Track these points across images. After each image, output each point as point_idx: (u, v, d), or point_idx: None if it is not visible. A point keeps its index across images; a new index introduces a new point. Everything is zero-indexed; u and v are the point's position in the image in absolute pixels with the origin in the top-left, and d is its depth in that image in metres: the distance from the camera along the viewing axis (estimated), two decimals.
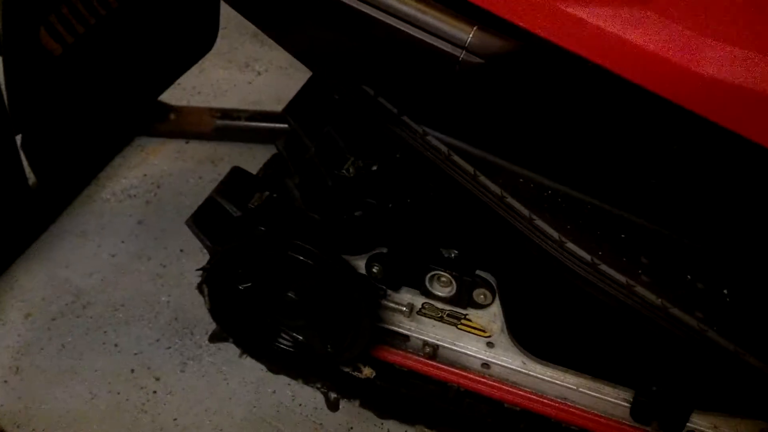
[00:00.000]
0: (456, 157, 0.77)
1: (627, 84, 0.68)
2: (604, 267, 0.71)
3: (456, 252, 1.03)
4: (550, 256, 0.74)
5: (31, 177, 1.47)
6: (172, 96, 1.82)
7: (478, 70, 0.71)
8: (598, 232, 0.76)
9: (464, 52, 0.71)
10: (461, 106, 0.79)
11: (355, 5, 0.75)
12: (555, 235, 0.72)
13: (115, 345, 1.42)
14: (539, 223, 0.73)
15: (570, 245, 0.72)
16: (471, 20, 0.71)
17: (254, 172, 1.16)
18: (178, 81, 1.50)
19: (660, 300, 0.70)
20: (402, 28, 0.73)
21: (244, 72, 2.07)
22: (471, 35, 0.71)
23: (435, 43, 0.72)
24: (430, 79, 0.76)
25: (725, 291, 0.74)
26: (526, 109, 0.77)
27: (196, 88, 2.00)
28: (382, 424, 1.30)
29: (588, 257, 0.71)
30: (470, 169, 0.76)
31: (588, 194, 0.77)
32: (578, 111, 0.76)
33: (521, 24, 0.70)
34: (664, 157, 0.76)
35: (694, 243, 0.77)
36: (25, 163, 1.25)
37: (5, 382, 1.36)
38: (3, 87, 1.06)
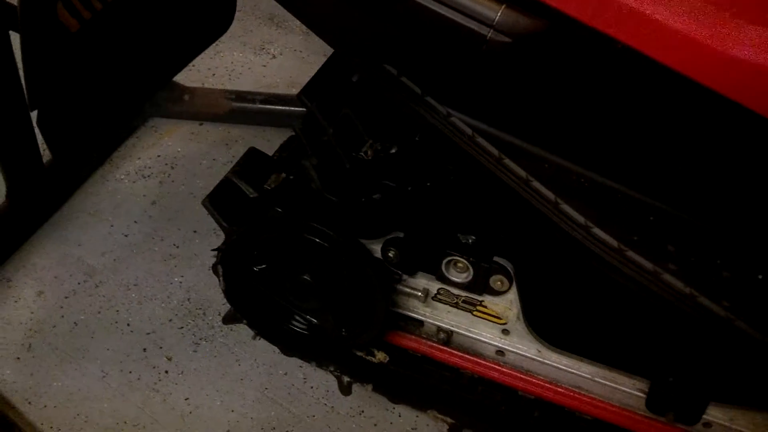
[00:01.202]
0: (480, 139, 0.76)
1: (657, 66, 0.67)
2: (631, 253, 0.70)
3: (473, 237, 1.02)
4: (575, 241, 0.73)
5: (45, 154, 1.47)
6: (187, 77, 1.82)
7: (505, 50, 0.70)
8: (624, 218, 0.74)
9: (492, 30, 0.69)
10: (487, 87, 0.78)
11: None
12: (581, 220, 0.71)
13: (128, 324, 1.42)
14: (565, 207, 0.72)
15: (596, 230, 0.70)
16: None
17: (269, 154, 1.15)
18: (193, 63, 1.49)
19: (688, 288, 0.69)
20: (427, 5, 0.71)
21: (259, 55, 2.06)
22: (499, 13, 0.69)
23: (461, 21, 0.70)
24: (455, 59, 0.75)
25: (751, 279, 0.73)
26: (554, 90, 0.76)
27: (211, 70, 1.99)
28: (393, 408, 1.29)
29: (615, 243, 0.70)
30: (495, 151, 0.75)
31: (615, 180, 0.76)
32: (606, 94, 0.75)
33: (550, 2, 0.68)
34: (695, 143, 0.74)
35: (722, 231, 0.75)
36: (40, 139, 1.25)
37: (18, 359, 1.36)
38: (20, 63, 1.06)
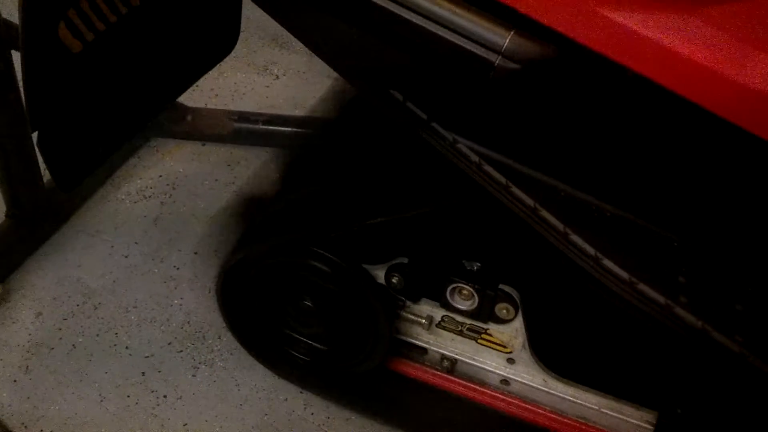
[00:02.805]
0: (487, 167, 0.74)
1: (669, 95, 0.65)
2: (641, 286, 0.68)
3: (479, 264, 1.01)
4: (584, 272, 0.71)
5: (46, 174, 1.46)
6: (189, 98, 1.81)
7: (513, 77, 0.69)
8: (634, 248, 0.73)
9: (500, 57, 0.68)
10: (494, 114, 0.76)
11: (385, 5, 0.72)
12: (591, 251, 0.69)
13: (126, 347, 1.40)
14: (574, 238, 0.70)
15: (606, 262, 0.69)
16: (507, 24, 0.69)
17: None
18: (196, 83, 1.48)
19: (700, 322, 0.67)
20: (434, 31, 0.70)
21: (263, 76, 2.06)
22: (508, 39, 0.68)
23: (469, 47, 0.69)
24: (462, 85, 0.74)
25: (765, 313, 0.71)
26: (562, 118, 0.75)
27: (214, 90, 1.99)
28: None
29: (625, 276, 0.68)
30: (502, 179, 0.73)
31: (625, 210, 0.74)
32: (616, 122, 0.73)
33: (560, 29, 0.67)
34: (707, 173, 0.73)
35: (736, 262, 0.73)
36: (40, 159, 1.24)
37: (14, 381, 1.34)
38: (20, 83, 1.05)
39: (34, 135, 1.08)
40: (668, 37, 0.63)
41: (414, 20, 0.71)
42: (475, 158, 0.75)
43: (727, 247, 0.75)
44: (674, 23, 0.64)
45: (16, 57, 1.04)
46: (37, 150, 1.10)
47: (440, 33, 0.70)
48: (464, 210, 0.92)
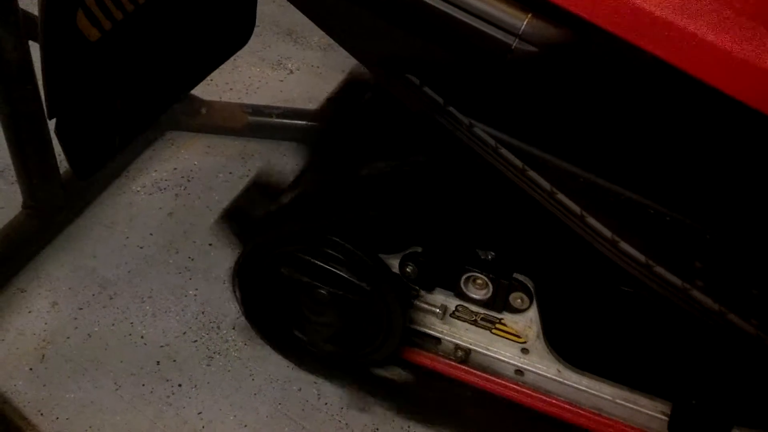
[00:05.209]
0: (504, 151, 0.74)
1: (689, 79, 0.65)
2: (658, 269, 0.68)
3: (493, 253, 1.00)
4: (599, 257, 0.71)
5: (62, 165, 1.47)
6: (204, 91, 1.82)
7: (531, 60, 0.68)
8: (651, 233, 0.72)
9: (517, 40, 0.68)
10: (511, 98, 0.76)
11: None
12: (608, 234, 0.69)
13: (141, 337, 1.41)
14: (591, 221, 0.70)
15: (623, 245, 0.69)
16: (525, 6, 0.69)
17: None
18: (210, 77, 1.48)
19: (717, 305, 0.66)
20: (452, 13, 0.70)
21: (277, 70, 2.07)
22: (525, 23, 0.68)
23: (486, 30, 0.69)
24: (479, 68, 0.74)
25: None
26: (579, 102, 0.74)
27: (228, 84, 1.99)
28: (408, 427, 1.27)
29: (642, 258, 0.68)
30: (519, 163, 0.73)
31: (640, 194, 0.74)
32: (634, 106, 0.73)
33: (578, 12, 0.67)
34: (726, 158, 0.73)
35: (752, 247, 0.73)
36: (57, 150, 1.24)
37: (30, 369, 1.35)
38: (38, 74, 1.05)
39: (52, 123, 1.09)
40: (688, 20, 0.63)
41: (433, 3, 0.71)
42: (491, 142, 0.75)
43: (743, 232, 0.74)
44: (693, 6, 0.63)
45: (34, 49, 1.05)
46: (54, 142, 1.11)
47: (458, 16, 0.70)
48: (479, 196, 0.91)
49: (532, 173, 0.73)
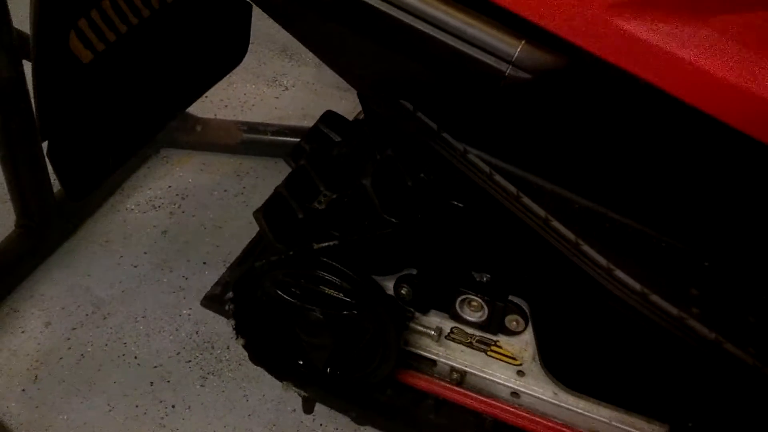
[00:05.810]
0: (498, 177, 0.74)
1: (681, 105, 0.65)
2: (654, 297, 0.67)
3: (488, 276, 1.00)
4: (595, 284, 0.71)
5: (56, 184, 1.46)
6: (199, 108, 1.82)
7: (524, 87, 0.68)
8: (647, 260, 0.72)
9: (510, 66, 0.68)
10: (505, 124, 0.76)
11: (395, 15, 0.72)
12: (603, 262, 0.69)
13: (135, 357, 1.40)
14: (586, 248, 0.70)
15: (619, 273, 0.68)
16: (518, 33, 0.68)
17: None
18: (206, 94, 1.48)
19: (713, 334, 0.66)
20: (445, 40, 0.70)
21: (272, 87, 2.07)
22: (518, 49, 0.67)
23: (479, 57, 0.69)
24: (472, 95, 0.73)
25: None
26: (573, 128, 0.74)
27: (224, 101, 1.99)
28: None
29: (638, 287, 0.68)
30: (513, 189, 0.73)
31: (636, 220, 0.74)
32: (627, 133, 0.73)
33: (571, 39, 0.66)
34: (721, 185, 0.72)
35: (748, 274, 0.73)
36: (50, 170, 1.24)
37: (23, 390, 1.34)
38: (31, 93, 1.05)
39: (45, 144, 1.08)
40: (681, 46, 0.62)
41: (425, 30, 0.70)
42: (486, 168, 0.74)
43: (739, 258, 0.74)
44: (687, 33, 0.63)
45: (28, 67, 1.05)
46: (47, 160, 1.11)
47: (451, 42, 0.69)
48: (474, 220, 0.91)
49: (526, 200, 0.72)
